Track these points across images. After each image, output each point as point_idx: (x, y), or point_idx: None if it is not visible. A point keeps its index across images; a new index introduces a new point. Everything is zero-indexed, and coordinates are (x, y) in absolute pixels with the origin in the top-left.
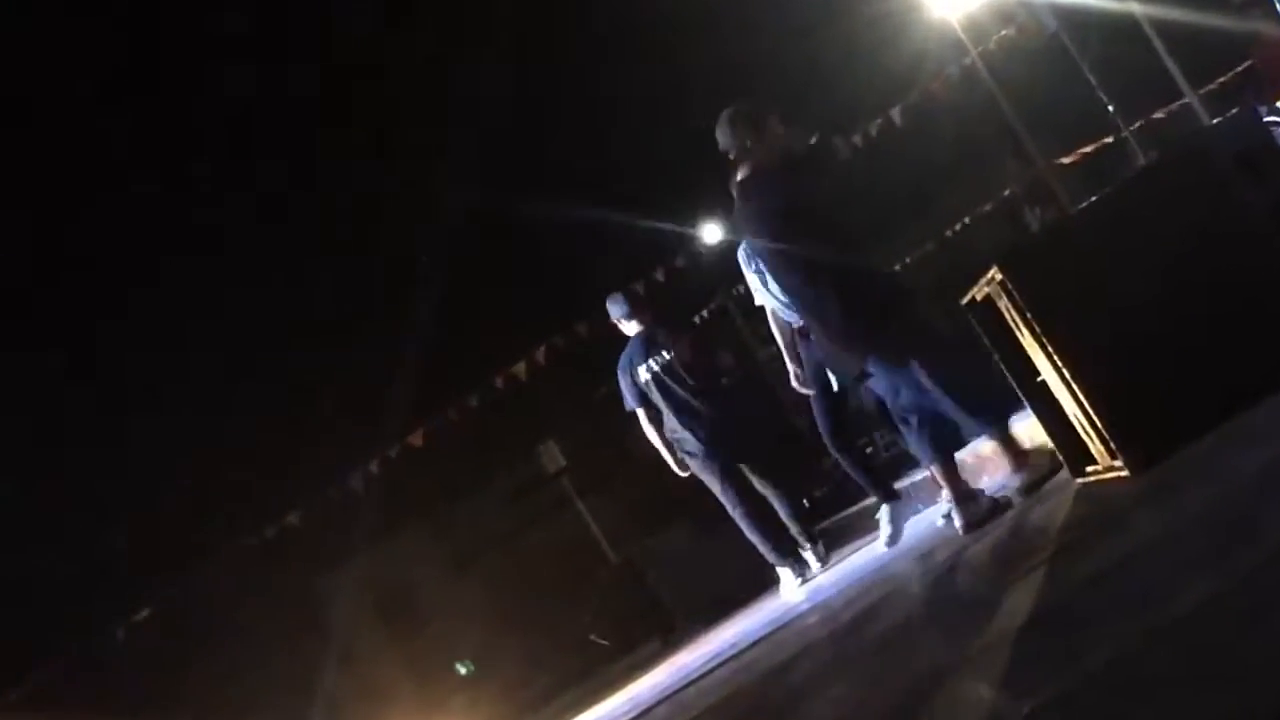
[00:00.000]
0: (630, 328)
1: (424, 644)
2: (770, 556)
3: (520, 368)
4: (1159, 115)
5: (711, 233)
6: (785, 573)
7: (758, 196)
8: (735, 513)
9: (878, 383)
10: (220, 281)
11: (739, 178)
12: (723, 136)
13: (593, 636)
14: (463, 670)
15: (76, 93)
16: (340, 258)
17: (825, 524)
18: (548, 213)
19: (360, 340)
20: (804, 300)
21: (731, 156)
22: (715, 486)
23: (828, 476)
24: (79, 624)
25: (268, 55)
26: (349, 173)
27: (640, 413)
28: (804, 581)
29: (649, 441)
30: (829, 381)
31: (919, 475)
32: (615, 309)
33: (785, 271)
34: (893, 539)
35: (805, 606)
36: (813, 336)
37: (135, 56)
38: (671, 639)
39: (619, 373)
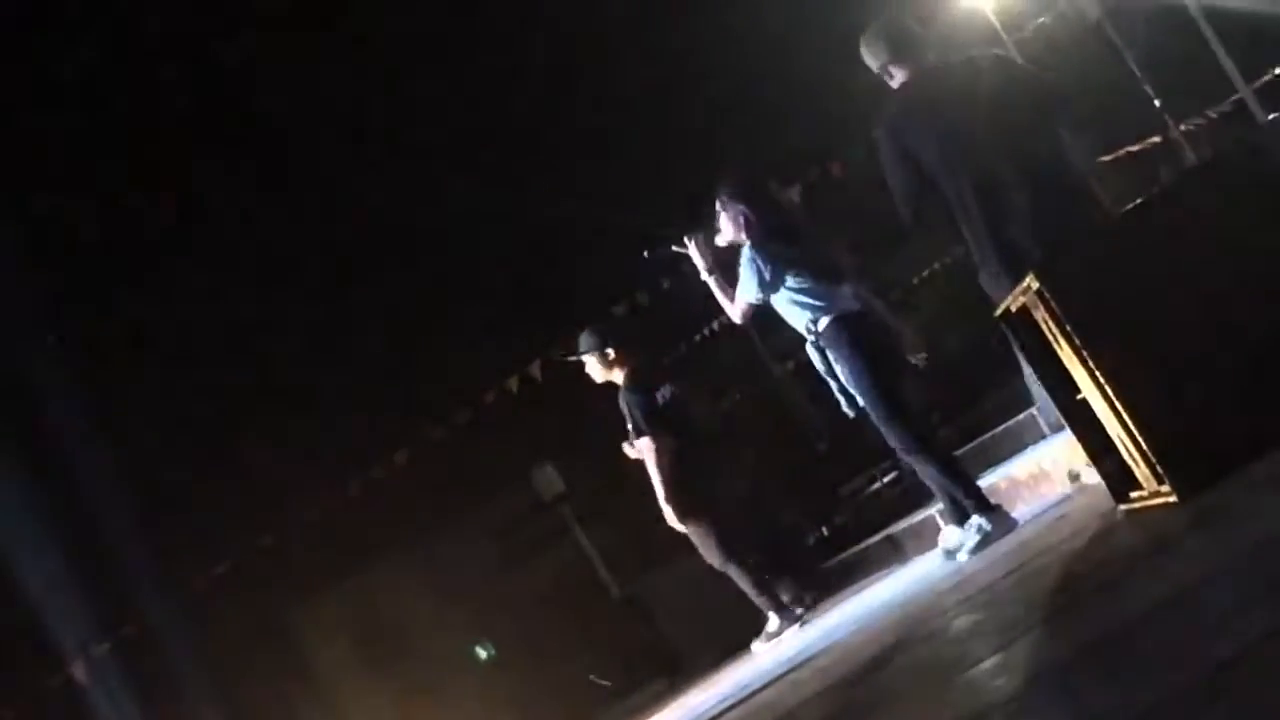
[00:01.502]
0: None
1: (408, 682)
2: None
3: (513, 383)
4: (1210, 112)
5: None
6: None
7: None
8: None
9: None
10: (191, 288)
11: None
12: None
13: (592, 677)
14: (483, 654)
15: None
16: (321, 266)
17: (844, 556)
18: (545, 217)
19: (340, 354)
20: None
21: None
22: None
23: (845, 504)
24: (34, 660)
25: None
26: (331, 176)
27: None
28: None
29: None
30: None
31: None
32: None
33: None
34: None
35: (822, 645)
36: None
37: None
38: (677, 680)
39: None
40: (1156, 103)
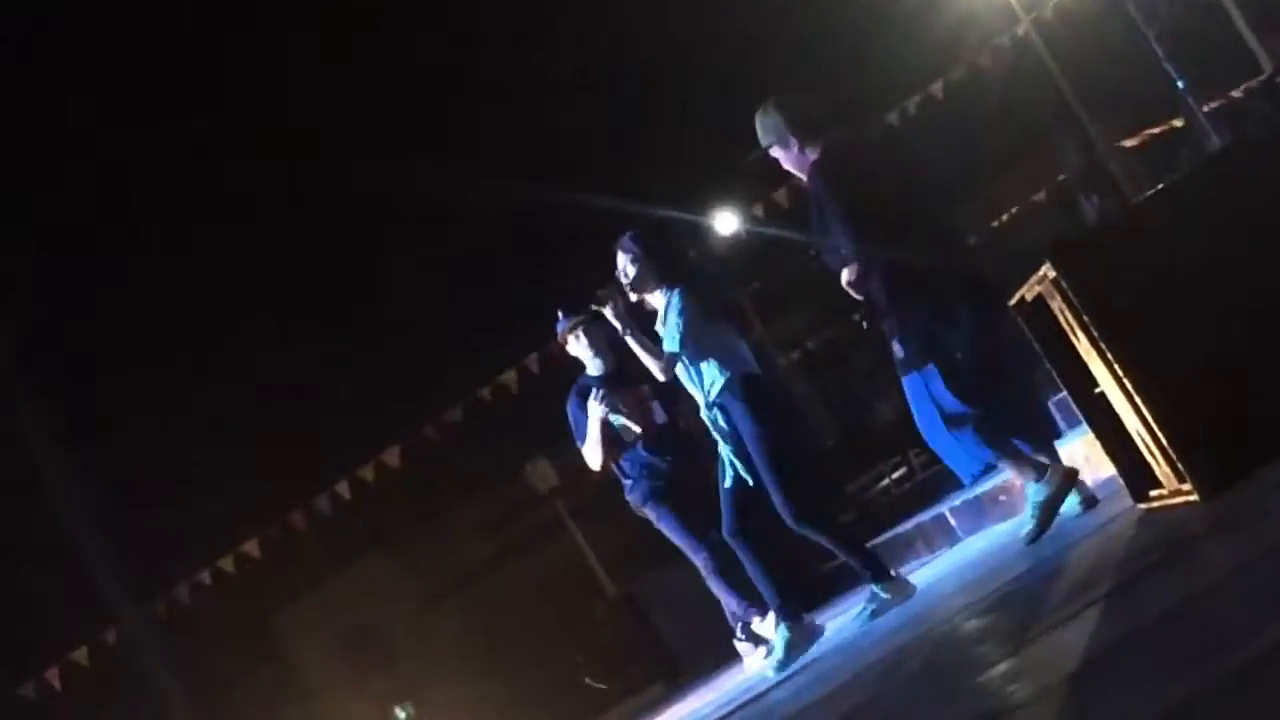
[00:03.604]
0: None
1: (395, 686)
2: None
3: (511, 376)
4: (1235, 94)
5: (725, 222)
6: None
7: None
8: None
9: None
10: (177, 290)
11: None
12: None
13: (587, 680)
14: (402, 715)
15: None
16: (309, 258)
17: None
18: (544, 201)
19: (330, 349)
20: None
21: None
22: None
23: (853, 501)
24: (6, 669)
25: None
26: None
27: None
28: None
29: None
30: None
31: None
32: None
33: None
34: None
35: (828, 646)
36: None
37: None
38: (677, 683)
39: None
40: (1179, 83)
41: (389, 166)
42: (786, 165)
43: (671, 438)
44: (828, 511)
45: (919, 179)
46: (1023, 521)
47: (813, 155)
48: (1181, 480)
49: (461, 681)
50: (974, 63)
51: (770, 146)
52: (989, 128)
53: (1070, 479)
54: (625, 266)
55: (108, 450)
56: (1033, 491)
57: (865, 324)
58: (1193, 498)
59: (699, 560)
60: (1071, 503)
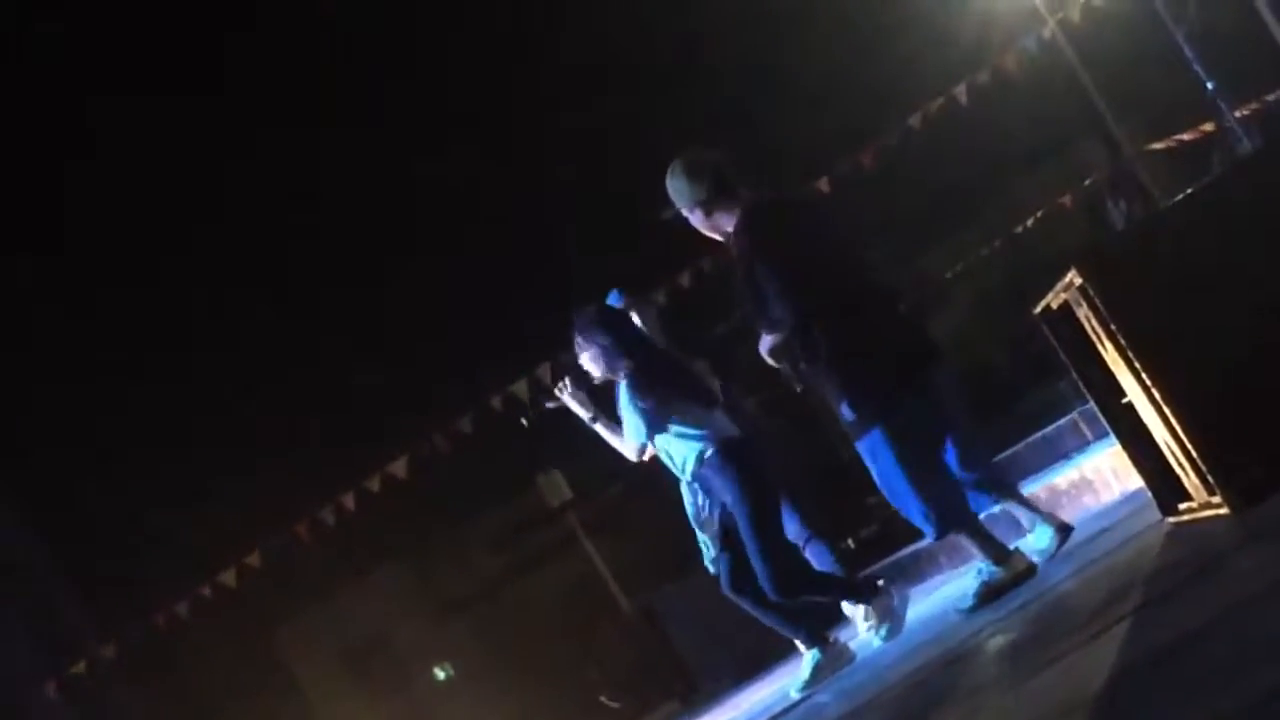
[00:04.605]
0: None
1: (404, 704)
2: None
3: (522, 387)
4: (1268, 97)
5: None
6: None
7: None
8: None
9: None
10: (181, 300)
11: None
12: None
13: (601, 698)
14: (441, 675)
15: None
16: (315, 267)
17: (872, 570)
18: (556, 202)
19: (336, 358)
20: None
21: None
22: None
23: (874, 513)
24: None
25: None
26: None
27: None
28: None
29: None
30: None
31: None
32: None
33: None
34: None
35: (850, 665)
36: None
37: None
38: (693, 701)
39: None
40: (1209, 86)
41: (403, 163)
42: (702, 229)
43: None
44: (810, 580)
45: (848, 237)
46: (964, 595)
47: (731, 217)
48: (1211, 493)
49: (471, 699)
50: (999, 65)
51: (683, 209)
52: (1014, 131)
53: (1029, 574)
54: (585, 362)
55: (107, 456)
56: (987, 570)
57: (799, 388)
58: (1222, 511)
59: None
60: (1045, 536)
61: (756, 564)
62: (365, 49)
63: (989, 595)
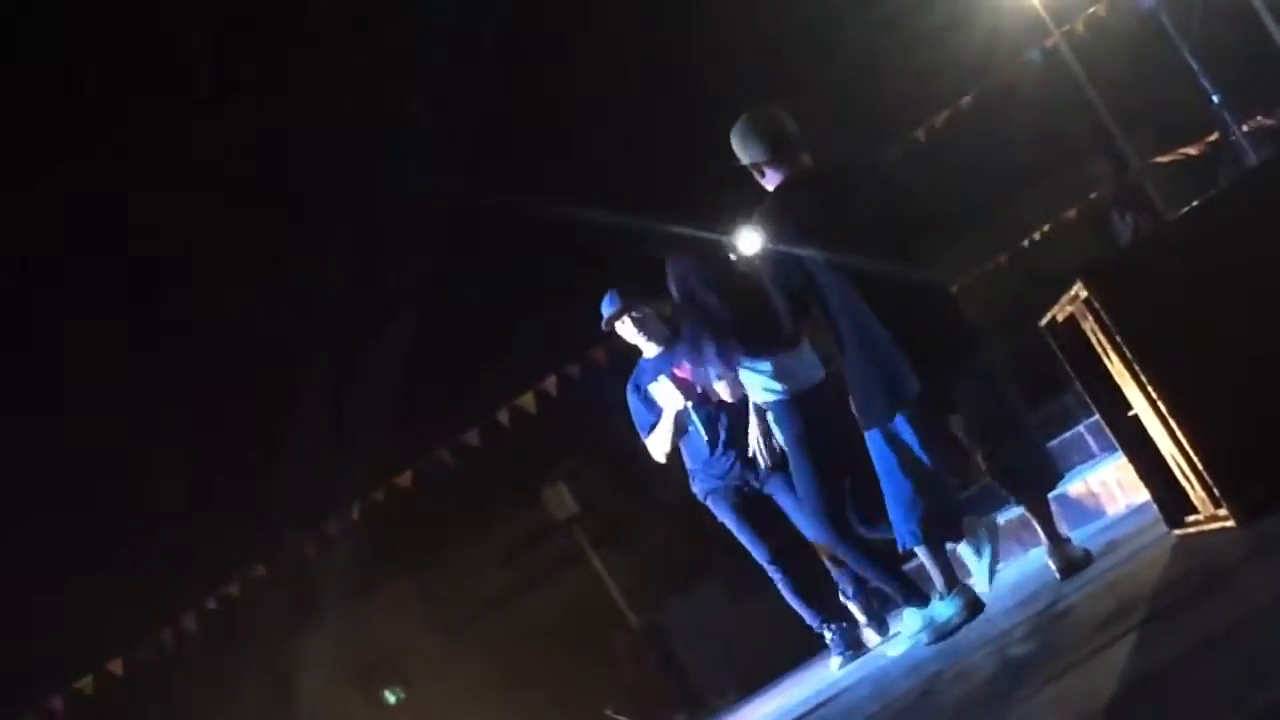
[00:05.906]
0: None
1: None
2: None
3: (529, 399)
4: (1276, 111)
5: (748, 241)
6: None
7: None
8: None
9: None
10: (180, 295)
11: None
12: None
13: (608, 712)
14: (391, 698)
15: None
16: (320, 270)
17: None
18: (560, 219)
19: (342, 367)
20: None
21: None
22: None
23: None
24: (5, 694)
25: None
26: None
27: None
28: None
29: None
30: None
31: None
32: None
33: None
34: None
35: (859, 674)
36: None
37: None
38: (700, 716)
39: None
40: (1215, 99)
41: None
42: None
43: (741, 426)
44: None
45: (912, 205)
46: (912, 631)
47: (773, 181)
48: (1218, 506)
49: (478, 713)
50: (1004, 78)
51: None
52: (1019, 143)
53: (975, 612)
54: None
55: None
56: (935, 606)
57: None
58: (1229, 524)
59: (763, 562)
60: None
61: (809, 519)
62: None
63: (941, 636)
